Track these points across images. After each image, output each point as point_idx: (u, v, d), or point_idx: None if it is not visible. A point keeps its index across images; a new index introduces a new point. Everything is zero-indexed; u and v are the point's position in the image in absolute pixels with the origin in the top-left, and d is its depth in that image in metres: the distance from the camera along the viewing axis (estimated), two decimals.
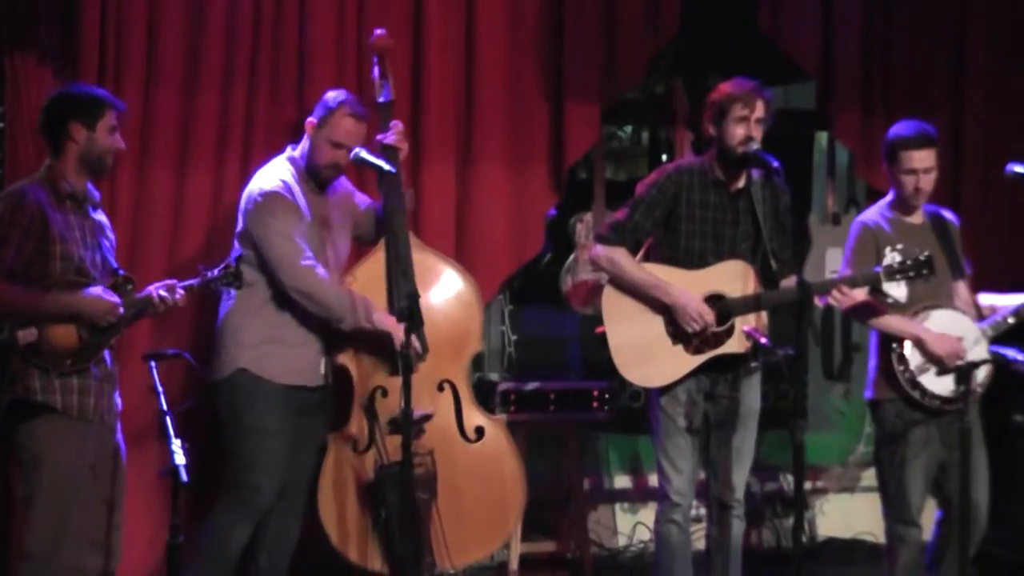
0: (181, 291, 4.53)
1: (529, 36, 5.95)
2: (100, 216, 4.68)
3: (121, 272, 4.57)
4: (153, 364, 4.27)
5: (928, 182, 5.10)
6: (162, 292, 4.50)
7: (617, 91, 6.16)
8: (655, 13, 6.07)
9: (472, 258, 5.83)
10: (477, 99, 5.87)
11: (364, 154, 4.92)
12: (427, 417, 4.99)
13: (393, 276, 5.02)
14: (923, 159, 5.07)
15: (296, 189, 4.93)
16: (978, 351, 5.03)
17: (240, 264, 4.63)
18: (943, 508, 5.23)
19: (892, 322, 5.06)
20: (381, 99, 5.17)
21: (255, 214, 4.87)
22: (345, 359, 5.03)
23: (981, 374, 5.03)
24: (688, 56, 6.71)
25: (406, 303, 4.76)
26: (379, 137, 5.11)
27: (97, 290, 4.42)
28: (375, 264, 5.08)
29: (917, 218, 5.22)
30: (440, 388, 5.11)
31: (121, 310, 4.44)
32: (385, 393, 5.01)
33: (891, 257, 4.91)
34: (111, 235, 4.71)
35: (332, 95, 5.02)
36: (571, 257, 6.53)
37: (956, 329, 5.06)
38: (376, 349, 4.97)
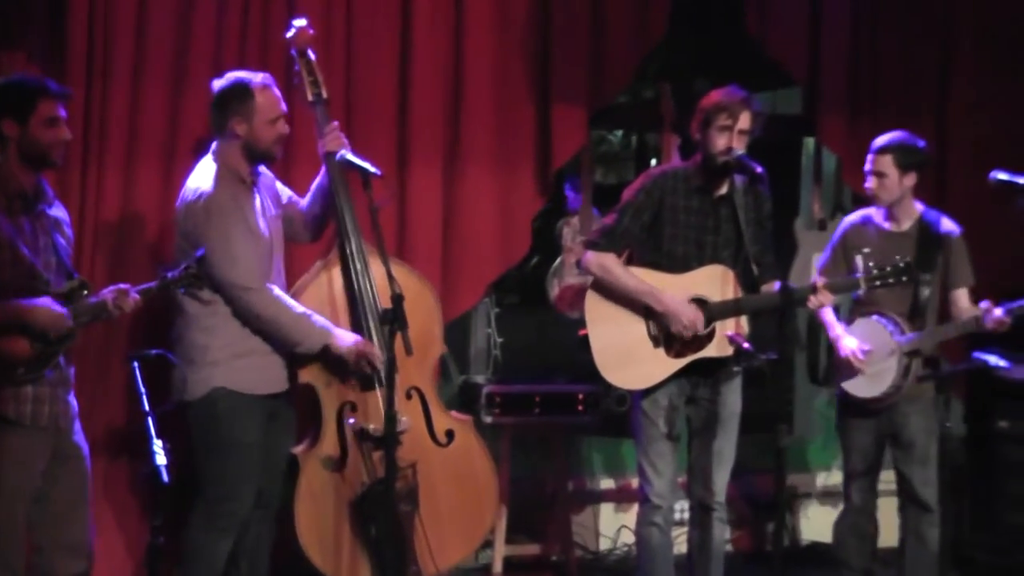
0: (135, 295, 4.41)
1: (517, 39, 5.95)
2: (57, 212, 4.53)
3: (76, 276, 4.46)
4: (136, 365, 4.21)
5: (876, 184, 5.30)
6: (116, 298, 4.38)
7: (605, 95, 6.15)
8: (643, 17, 6.07)
9: (459, 260, 5.84)
10: (464, 101, 5.87)
11: (350, 156, 4.86)
12: (402, 431, 4.91)
13: (363, 286, 4.93)
14: (871, 161, 5.32)
15: (234, 192, 4.78)
16: (889, 364, 5.22)
17: (203, 264, 4.51)
18: (898, 498, 5.47)
19: (825, 318, 5.37)
20: (310, 98, 5.04)
21: (197, 227, 4.68)
22: (309, 377, 4.92)
23: (887, 382, 5.22)
24: (675, 60, 6.72)
25: (391, 306, 4.55)
26: (320, 142, 5.00)
27: (44, 300, 4.30)
28: (328, 280, 4.98)
29: (902, 225, 5.35)
30: (408, 396, 5.03)
31: (69, 322, 4.32)
32: (355, 407, 4.94)
33: (860, 262, 4.99)
34: (68, 231, 4.58)
35: (228, 83, 4.83)
36: (558, 260, 6.53)
37: (871, 339, 5.26)
38: (340, 364, 4.88)
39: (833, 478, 7.01)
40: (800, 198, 7.33)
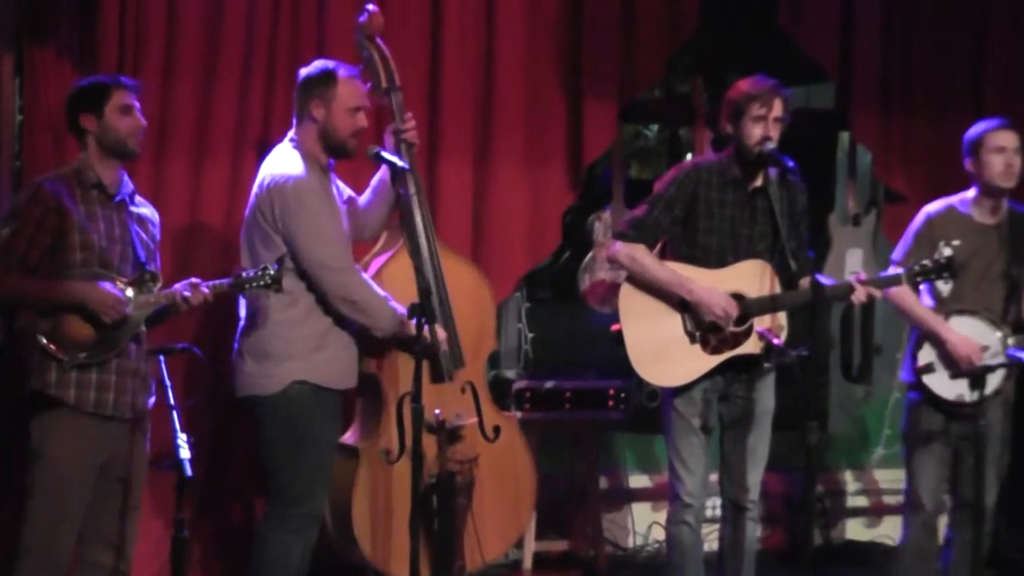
0: (206, 290, 4.40)
1: (548, 33, 5.95)
2: (142, 209, 4.59)
3: (148, 267, 4.46)
4: (162, 358, 4.24)
5: (1019, 166, 5.10)
6: (185, 292, 4.37)
7: (636, 89, 6.15)
8: (674, 11, 6.07)
9: (489, 256, 5.83)
10: (495, 96, 5.87)
11: (385, 153, 4.80)
12: (462, 426, 4.92)
13: (438, 278, 4.91)
14: (1015, 138, 5.12)
15: (320, 178, 4.73)
16: (997, 362, 5.04)
17: (283, 269, 4.47)
18: (953, 500, 5.30)
19: (922, 314, 5.13)
20: (384, 85, 5.00)
21: (287, 210, 4.62)
22: (373, 367, 4.90)
23: (996, 381, 5.03)
24: (707, 54, 6.69)
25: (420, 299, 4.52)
26: (389, 129, 4.98)
27: (104, 284, 4.31)
28: (399, 267, 4.95)
29: (991, 218, 5.20)
30: (463, 390, 5.01)
31: (127, 308, 4.31)
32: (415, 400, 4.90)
33: (949, 253, 4.85)
34: (154, 230, 4.61)
35: (314, 70, 4.78)
36: (589, 255, 6.50)
37: (977, 337, 5.07)
38: (402, 354, 4.83)
39: (865, 477, 6.98)
40: (836, 193, 7.28)
